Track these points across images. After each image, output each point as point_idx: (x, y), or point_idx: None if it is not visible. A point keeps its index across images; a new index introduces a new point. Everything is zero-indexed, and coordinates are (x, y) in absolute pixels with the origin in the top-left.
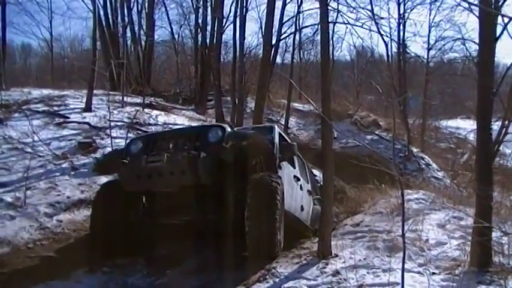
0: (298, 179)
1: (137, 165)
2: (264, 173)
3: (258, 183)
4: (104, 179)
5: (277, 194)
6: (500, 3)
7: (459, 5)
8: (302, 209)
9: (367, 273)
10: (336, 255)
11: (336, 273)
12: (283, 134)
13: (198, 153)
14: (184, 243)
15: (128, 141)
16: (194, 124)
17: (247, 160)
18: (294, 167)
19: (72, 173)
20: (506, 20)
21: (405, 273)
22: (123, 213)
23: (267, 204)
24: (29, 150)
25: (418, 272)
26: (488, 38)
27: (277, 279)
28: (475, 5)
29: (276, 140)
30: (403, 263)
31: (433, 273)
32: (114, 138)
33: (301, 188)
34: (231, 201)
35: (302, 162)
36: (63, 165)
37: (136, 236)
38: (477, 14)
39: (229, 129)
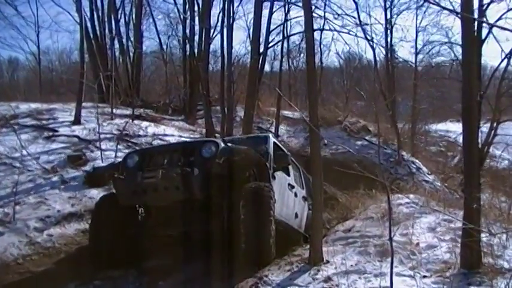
0: (293, 187)
1: (133, 181)
2: (256, 182)
3: (250, 192)
4: (94, 192)
5: (269, 202)
6: (484, 8)
7: (443, 9)
8: (296, 216)
9: (359, 278)
10: (328, 262)
11: (328, 279)
12: (278, 143)
13: (192, 170)
14: (176, 254)
15: (124, 155)
16: (184, 135)
17: (240, 173)
18: (289, 175)
19: (62, 186)
20: (489, 25)
21: (396, 277)
22: (121, 225)
23: (260, 212)
24: (18, 164)
25: (409, 276)
26: (470, 42)
27: (269, 287)
28: (457, 12)
29: (271, 150)
30: (392, 266)
31: (424, 276)
32: (104, 150)
33: (295, 195)
34: (224, 212)
35: (298, 168)
36: (53, 179)
37: (133, 248)
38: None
39: (222, 145)
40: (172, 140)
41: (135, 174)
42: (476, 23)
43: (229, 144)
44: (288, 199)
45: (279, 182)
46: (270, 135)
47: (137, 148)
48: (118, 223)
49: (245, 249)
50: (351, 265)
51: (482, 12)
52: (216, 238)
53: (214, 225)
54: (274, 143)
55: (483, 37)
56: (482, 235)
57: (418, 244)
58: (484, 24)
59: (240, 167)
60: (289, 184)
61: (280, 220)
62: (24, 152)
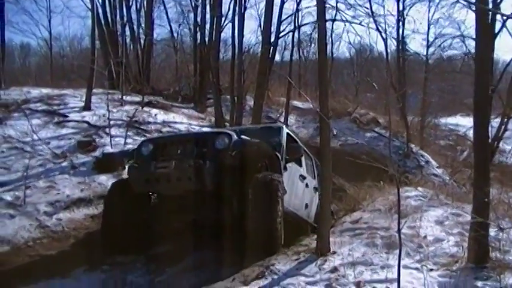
0: (304, 178)
1: (146, 170)
2: (266, 173)
3: (259, 183)
4: (103, 178)
5: (277, 193)
6: (498, 1)
7: (458, 1)
8: (306, 206)
9: (365, 269)
10: (335, 252)
11: (334, 269)
12: (292, 134)
13: (204, 161)
14: (185, 242)
15: (139, 142)
16: (193, 122)
17: (252, 165)
18: (301, 166)
19: (72, 171)
20: (505, 17)
21: (403, 270)
22: (133, 210)
23: (267, 202)
24: (29, 149)
25: (416, 268)
26: (485, 35)
27: (275, 276)
28: (472, 2)
29: (284, 141)
30: (399, 259)
31: (431, 270)
32: (113, 136)
33: (306, 185)
34: (233, 202)
35: (311, 158)
36: (63, 164)
37: (144, 234)
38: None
39: (235, 137)
40: (181, 127)
41: (149, 163)
42: (490, 16)
43: (242, 136)
44: (299, 190)
45: (291, 173)
46: (284, 126)
47: (148, 136)
48: (130, 209)
49: (252, 238)
50: (358, 256)
51: (496, 5)
52: (224, 227)
53: (224, 214)
54: (287, 133)
55: (496, 31)
56: (491, 229)
57: (425, 237)
58: (497, 19)
59: (252, 159)
60: (300, 175)
61: (289, 210)
62: (35, 137)
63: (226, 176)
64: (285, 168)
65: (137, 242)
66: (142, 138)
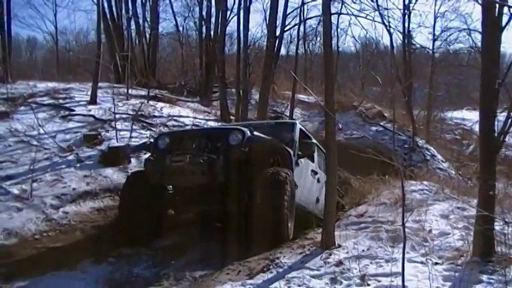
0: (316, 173)
1: (162, 163)
2: (276, 168)
3: (267, 177)
4: (109, 171)
5: (285, 184)
6: None
7: None
8: (317, 200)
9: (370, 263)
10: (340, 246)
11: (339, 263)
12: (305, 130)
13: (218, 156)
14: (192, 234)
15: (156, 136)
16: (199, 116)
17: (264, 161)
18: (313, 161)
19: (78, 165)
20: None
21: (408, 263)
22: (149, 201)
23: (274, 195)
24: (35, 143)
25: (421, 262)
26: (491, 28)
27: (280, 269)
28: None
29: (296, 137)
30: (404, 252)
31: (436, 263)
32: (119, 130)
33: (318, 180)
34: (245, 196)
35: (323, 153)
36: (69, 158)
37: (158, 224)
38: (481, 3)
39: (248, 133)
40: (187, 121)
41: (165, 156)
42: (497, 10)
43: (255, 132)
44: (310, 185)
45: (302, 169)
46: (297, 122)
47: (153, 129)
48: (146, 199)
49: (259, 230)
50: (363, 250)
51: None
52: (234, 220)
53: (235, 207)
54: (300, 130)
55: (503, 24)
56: (496, 223)
57: (430, 231)
58: (504, 12)
59: (263, 155)
60: (312, 170)
61: (299, 204)
62: (42, 131)
63: (238, 171)
64: (297, 164)
65: (152, 232)
66: (148, 132)
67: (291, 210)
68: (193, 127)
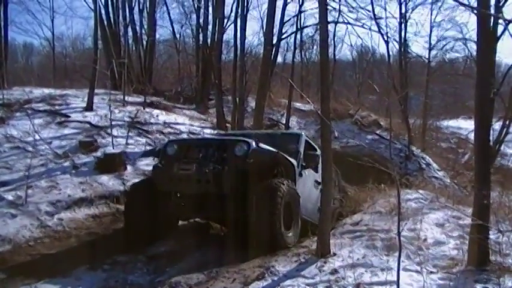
0: (319, 183)
1: (170, 170)
2: (275, 179)
3: (265, 185)
4: (104, 178)
5: (278, 191)
6: (501, 4)
7: (460, 4)
8: (319, 210)
9: (365, 271)
10: (335, 254)
11: (334, 271)
12: (310, 141)
13: (223, 166)
14: (186, 241)
15: (165, 142)
16: (195, 123)
17: (268, 172)
18: (317, 172)
19: (73, 171)
20: (508, 18)
21: (403, 272)
22: (155, 207)
23: (269, 204)
24: (31, 149)
25: (416, 271)
26: (486, 38)
27: (275, 278)
28: (473, 7)
29: (301, 149)
30: (399, 261)
31: (431, 272)
32: (115, 137)
33: (321, 191)
34: (247, 205)
35: None
36: (64, 164)
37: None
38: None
39: (253, 145)
40: (183, 128)
41: (173, 164)
42: (492, 19)
43: (260, 144)
44: (313, 195)
45: (306, 179)
46: (303, 133)
47: (149, 136)
48: (152, 205)
49: (255, 238)
50: (358, 258)
51: (499, 7)
52: (234, 228)
53: (236, 216)
54: (306, 141)
55: (498, 34)
56: (491, 232)
57: (425, 240)
58: (500, 21)
59: (267, 166)
60: (315, 180)
61: (301, 214)
62: (37, 137)
63: (243, 181)
64: (300, 175)
65: (156, 238)
66: (144, 139)
67: (292, 218)
68: (191, 134)
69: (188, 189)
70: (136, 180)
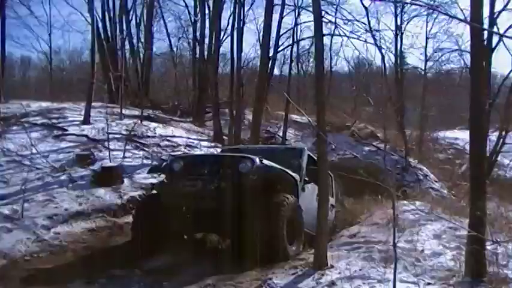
0: None
1: (175, 186)
2: (279, 193)
3: (268, 201)
4: (101, 191)
5: (282, 207)
6: (495, 15)
7: (453, 17)
8: None
9: (363, 283)
10: (332, 266)
11: (332, 284)
12: (313, 156)
13: (227, 183)
14: (183, 254)
15: (171, 159)
16: (192, 136)
17: (271, 188)
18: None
19: (70, 185)
20: (501, 31)
21: (400, 284)
22: (162, 221)
23: (272, 215)
24: (27, 162)
25: (413, 282)
26: (480, 51)
27: None
28: (467, 22)
29: (304, 164)
30: (395, 272)
31: (428, 284)
32: (112, 150)
33: None
34: (251, 221)
35: (330, 177)
36: (61, 178)
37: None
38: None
39: (257, 162)
40: (180, 141)
41: (179, 180)
42: (486, 32)
43: (264, 160)
44: (315, 208)
45: (308, 193)
46: (305, 148)
47: (147, 150)
48: (159, 220)
49: (258, 253)
50: (355, 270)
51: (493, 20)
52: (235, 242)
53: (241, 231)
54: (308, 156)
55: (493, 45)
56: (488, 244)
57: (423, 251)
58: (494, 33)
59: (270, 183)
60: (318, 195)
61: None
62: (34, 150)
63: (247, 197)
64: (303, 190)
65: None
66: (141, 152)
67: (295, 232)
68: (188, 147)
69: (193, 204)
70: (137, 192)
